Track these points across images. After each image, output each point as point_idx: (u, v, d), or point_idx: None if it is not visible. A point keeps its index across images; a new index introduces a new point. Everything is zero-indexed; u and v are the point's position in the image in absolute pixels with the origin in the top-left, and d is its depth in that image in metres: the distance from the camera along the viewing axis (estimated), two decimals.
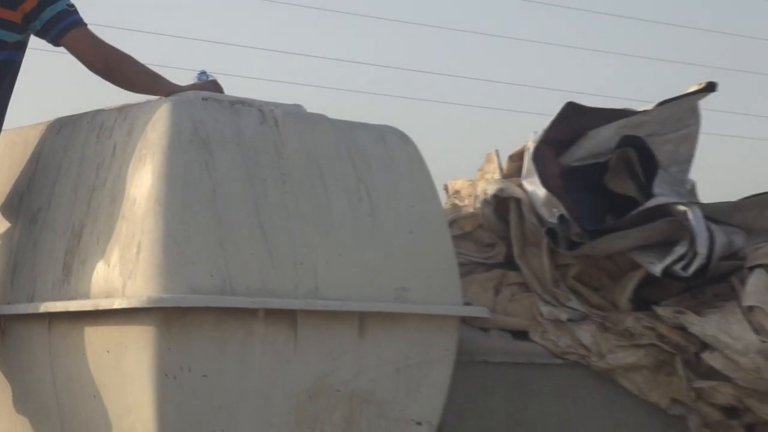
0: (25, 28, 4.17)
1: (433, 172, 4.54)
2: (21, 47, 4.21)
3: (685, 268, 4.60)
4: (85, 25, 4.18)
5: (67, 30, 4.16)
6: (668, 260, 4.62)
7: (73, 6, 4.18)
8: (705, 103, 5.09)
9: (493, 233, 5.03)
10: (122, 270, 3.87)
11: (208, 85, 4.30)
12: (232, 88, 4.30)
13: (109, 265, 3.91)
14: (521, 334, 4.84)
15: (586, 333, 4.75)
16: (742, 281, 4.71)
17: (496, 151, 5.30)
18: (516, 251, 4.93)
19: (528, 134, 5.09)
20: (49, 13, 4.14)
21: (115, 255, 3.91)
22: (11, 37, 4.16)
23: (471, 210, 5.11)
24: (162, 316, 3.80)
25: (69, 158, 4.17)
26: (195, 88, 4.25)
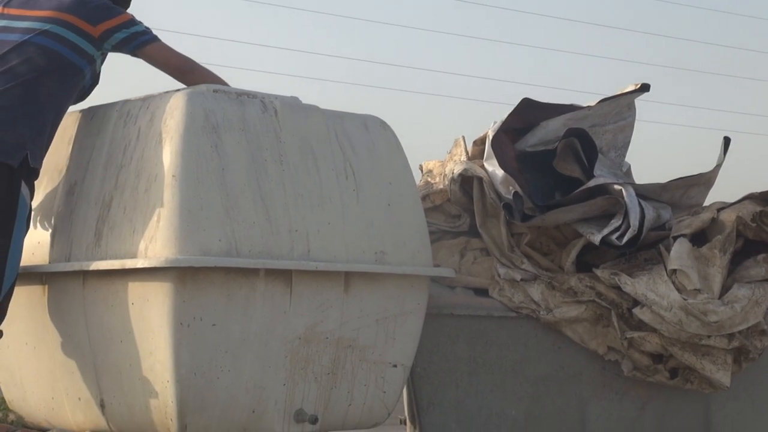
0: (101, 43, 4.14)
1: (411, 153, 4.52)
2: (91, 62, 4.17)
3: (619, 237, 4.56)
4: (160, 39, 4.20)
5: (147, 43, 4.16)
6: (606, 231, 4.59)
7: (148, 27, 4.20)
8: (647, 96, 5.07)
9: (459, 206, 4.99)
10: (144, 235, 3.85)
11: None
12: (233, 81, 4.29)
13: (133, 231, 3.89)
14: (482, 292, 4.79)
15: (536, 291, 4.72)
16: (668, 248, 4.68)
17: (463, 137, 5.24)
18: (478, 221, 4.88)
19: (490, 123, 5.04)
20: (130, 30, 4.15)
21: (138, 222, 3.89)
22: (88, 47, 4.13)
23: (441, 186, 5.06)
24: (178, 274, 3.78)
25: (101, 140, 4.14)
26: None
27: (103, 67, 4.32)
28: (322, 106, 4.29)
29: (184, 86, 4.18)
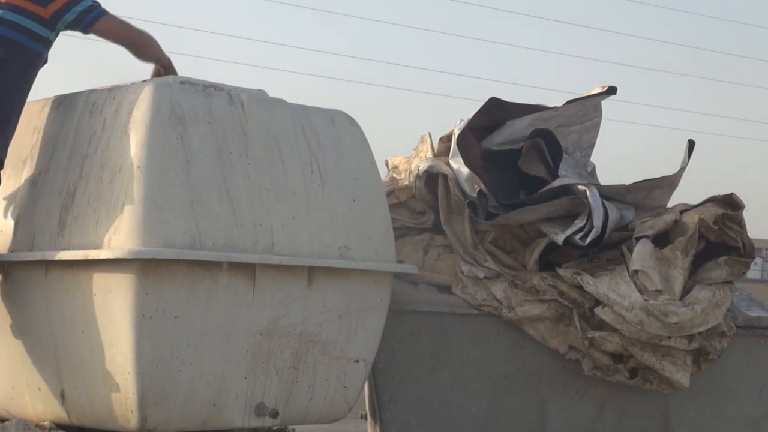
0: (54, 24, 4.13)
1: (380, 148, 4.54)
2: (48, 45, 4.17)
3: (582, 238, 4.61)
4: (110, 13, 4.19)
5: (97, 18, 4.15)
6: (569, 231, 4.63)
7: (95, 1, 4.18)
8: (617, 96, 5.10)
9: (424, 203, 5.01)
10: (108, 226, 3.86)
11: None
12: (206, 72, 4.30)
13: (97, 222, 3.89)
14: (445, 288, 4.83)
15: (499, 289, 4.75)
16: (630, 249, 4.72)
17: (429, 134, 5.27)
18: (442, 219, 4.91)
19: (458, 118, 5.08)
20: (80, 8, 4.13)
21: (102, 213, 3.89)
22: (42, 31, 4.12)
23: (406, 183, 5.08)
24: (140, 265, 3.79)
25: (66, 130, 4.14)
26: (169, 64, 4.25)
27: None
28: (299, 99, 4.31)
29: (150, 78, 4.18)
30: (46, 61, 4.22)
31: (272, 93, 4.29)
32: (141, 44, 4.22)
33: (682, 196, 5.16)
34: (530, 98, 5.17)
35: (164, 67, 4.28)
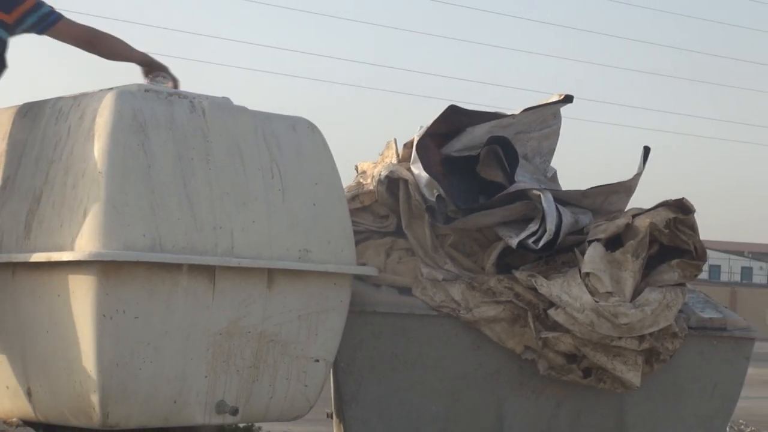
0: (14, 29, 4.29)
1: (345, 153, 4.65)
2: (5, 48, 4.32)
3: (536, 242, 4.72)
4: (65, 17, 4.39)
5: (54, 22, 4.34)
6: (523, 235, 4.75)
7: (52, 6, 4.37)
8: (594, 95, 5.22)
9: (386, 207, 5.11)
10: (71, 229, 3.98)
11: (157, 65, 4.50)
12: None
13: (61, 225, 4.02)
14: (406, 290, 4.92)
15: (457, 290, 4.85)
16: (583, 252, 4.82)
17: (395, 139, 5.38)
18: (404, 223, 5.01)
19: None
20: (39, 13, 4.31)
21: (66, 217, 4.01)
22: (3, 34, 4.28)
23: (370, 188, 5.16)
24: (102, 267, 3.90)
25: (33, 136, 4.26)
26: (149, 59, 4.47)
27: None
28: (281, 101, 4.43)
29: (115, 85, 4.30)
30: (6, 65, 4.37)
31: (275, 97, 4.41)
32: (98, 43, 4.42)
33: (639, 200, 5.28)
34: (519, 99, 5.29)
35: (143, 64, 4.49)
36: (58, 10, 4.39)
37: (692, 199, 4.89)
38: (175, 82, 4.53)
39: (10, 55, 4.36)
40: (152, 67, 4.52)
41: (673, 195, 5.51)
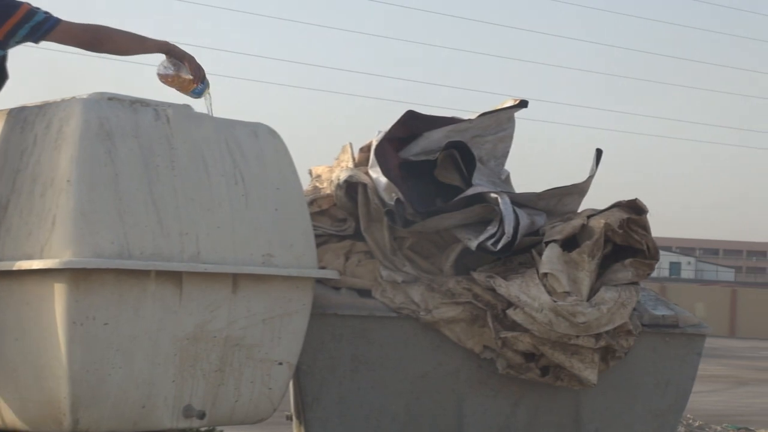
0: (7, 43, 4.26)
1: (301, 157, 4.69)
2: (4, 61, 4.30)
3: (494, 243, 4.81)
4: (62, 20, 4.31)
5: (51, 29, 4.27)
6: (482, 237, 4.83)
7: (47, 12, 4.30)
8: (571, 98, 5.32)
9: (345, 211, 5.18)
10: (40, 238, 4.02)
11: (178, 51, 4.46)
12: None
13: (29, 234, 4.05)
14: (365, 293, 4.98)
15: (416, 292, 4.92)
16: (540, 253, 4.92)
17: (350, 143, 5.47)
18: (362, 226, 5.08)
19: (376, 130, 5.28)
20: (32, 23, 4.25)
21: (34, 225, 4.05)
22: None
23: (328, 192, 5.24)
24: (71, 275, 3.95)
25: None
26: (168, 47, 4.44)
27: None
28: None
29: (80, 94, 4.34)
30: (3, 76, 4.37)
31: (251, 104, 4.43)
32: (105, 40, 4.35)
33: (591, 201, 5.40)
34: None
35: (163, 52, 4.45)
36: (55, 15, 4.31)
37: (619, 194, 5.02)
38: (195, 72, 4.49)
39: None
40: (174, 56, 4.47)
41: (599, 188, 5.64)
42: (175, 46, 4.50)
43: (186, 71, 4.50)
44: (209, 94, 4.57)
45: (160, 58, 4.52)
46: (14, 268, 4.04)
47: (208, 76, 4.54)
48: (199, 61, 4.52)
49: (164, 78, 4.53)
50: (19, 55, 4.35)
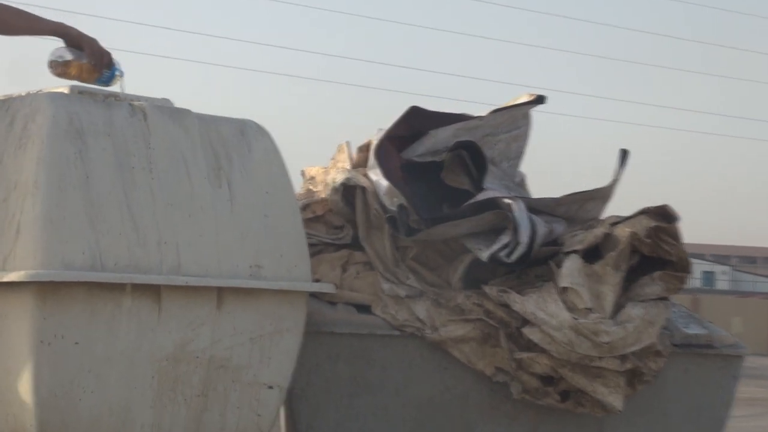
0: None
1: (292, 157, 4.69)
2: None
3: (508, 255, 4.82)
4: None
5: None
6: (494, 248, 4.84)
7: None
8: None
9: (341, 217, 5.18)
10: (3, 247, 4.02)
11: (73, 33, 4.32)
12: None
13: None
14: (365, 308, 4.98)
15: (421, 308, 4.93)
16: (559, 265, 4.93)
17: (347, 143, 5.47)
18: (361, 234, 5.08)
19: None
20: None
21: None
22: None
23: (323, 196, 5.24)
24: (38, 289, 3.95)
25: None
26: (64, 30, 4.32)
27: None
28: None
29: (46, 87, 4.35)
30: None
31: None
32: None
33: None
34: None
35: (58, 36, 4.34)
36: None
37: (645, 198, 5.02)
38: (97, 59, 4.35)
39: None
40: (70, 41, 4.37)
41: (630, 189, 5.65)
42: (71, 29, 4.36)
43: (85, 58, 4.34)
44: (122, 83, 4.45)
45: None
46: None
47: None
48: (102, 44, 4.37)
49: (57, 67, 4.36)
50: None
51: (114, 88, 4.44)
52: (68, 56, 4.37)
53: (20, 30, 4.33)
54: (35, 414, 4.00)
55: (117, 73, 4.45)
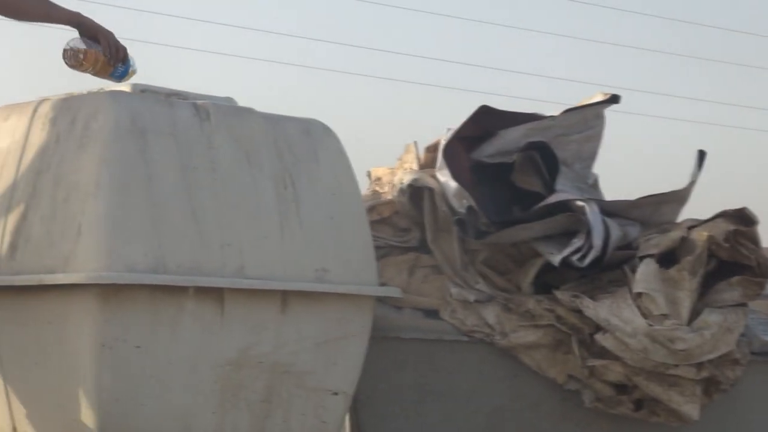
0: None
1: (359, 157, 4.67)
2: None
3: (581, 258, 4.76)
4: None
5: None
6: (566, 252, 4.78)
7: None
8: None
9: (408, 219, 5.14)
10: (64, 248, 4.00)
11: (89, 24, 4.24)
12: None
13: (52, 244, 4.03)
14: (432, 313, 4.94)
15: (491, 313, 4.88)
16: (633, 269, 4.85)
17: (415, 143, 5.43)
18: (429, 236, 5.04)
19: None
20: None
21: (57, 234, 4.03)
22: None
23: (389, 197, 5.21)
24: (100, 291, 3.93)
25: (16, 144, 4.27)
26: (80, 20, 4.24)
27: None
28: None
29: (107, 86, 4.33)
30: None
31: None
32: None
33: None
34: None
35: (73, 26, 4.25)
36: None
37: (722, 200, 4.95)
38: (111, 52, 4.26)
39: None
40: (86, 31, 4.28)
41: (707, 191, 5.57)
42: (88, 19, 4.28)
43: (101, 50, 4.26)
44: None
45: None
46: (34, 283, 4.03)
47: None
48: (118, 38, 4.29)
49: (71, 58, 4.28)
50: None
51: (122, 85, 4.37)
52: (83, 47, 4.28)
53: (35, 16, 4.27)
54: (97, 420, 3.98)
55: (131, 68, 4.39)
